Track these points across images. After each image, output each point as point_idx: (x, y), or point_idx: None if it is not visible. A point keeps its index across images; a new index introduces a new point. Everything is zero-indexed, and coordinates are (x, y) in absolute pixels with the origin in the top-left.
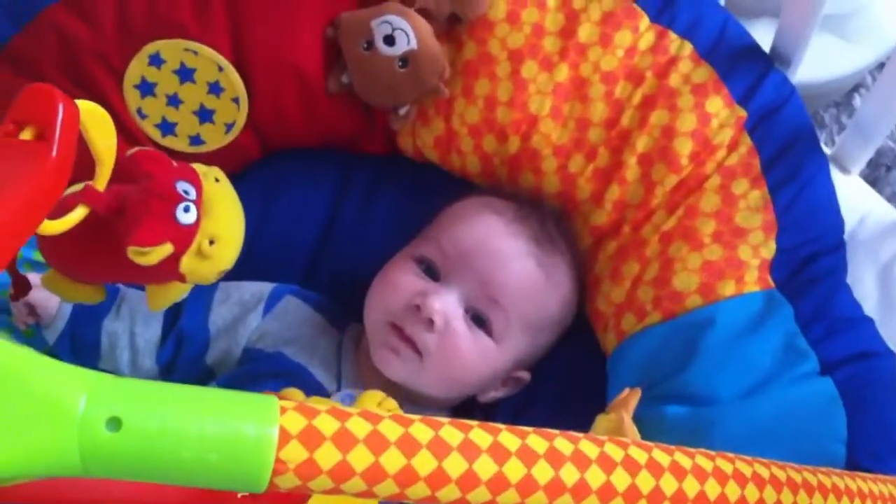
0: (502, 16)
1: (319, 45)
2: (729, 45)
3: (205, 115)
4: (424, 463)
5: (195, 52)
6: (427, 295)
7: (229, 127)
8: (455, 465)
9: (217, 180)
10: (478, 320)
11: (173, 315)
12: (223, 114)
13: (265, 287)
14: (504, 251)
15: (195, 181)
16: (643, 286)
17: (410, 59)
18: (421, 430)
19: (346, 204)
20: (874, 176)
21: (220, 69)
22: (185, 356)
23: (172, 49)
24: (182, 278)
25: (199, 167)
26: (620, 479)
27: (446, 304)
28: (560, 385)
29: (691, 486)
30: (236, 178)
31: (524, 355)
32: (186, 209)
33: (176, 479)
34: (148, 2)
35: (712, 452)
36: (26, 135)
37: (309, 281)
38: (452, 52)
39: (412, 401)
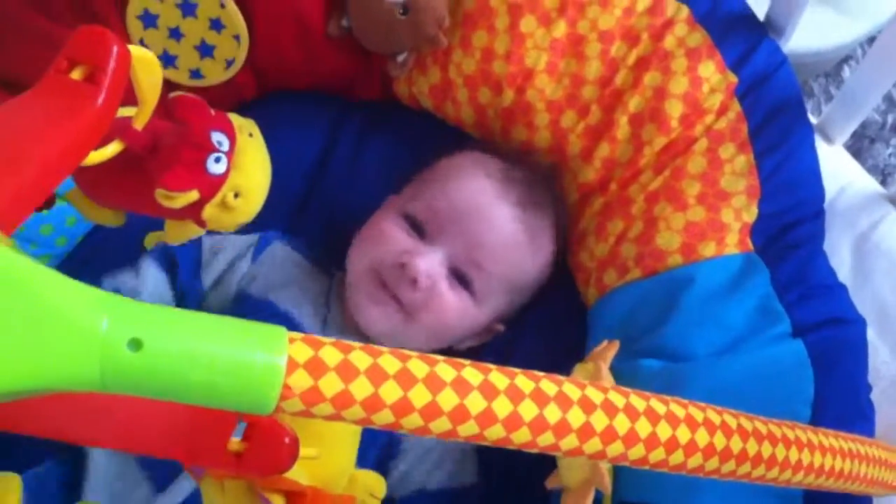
0: None
1: None
2: (724, 11)
3: (205, 49)
4: (419, 396)
5: None
6: (413, 255)
7: (229, 63)
8: (447, 400)
9: (251, 135)
10: (461, 279)
11: (170, 268)
12: (223, 50)
13: (252, 236)
14: (491, 217)
15: (230, 133)
16: (626, 243)
17: (411, 7)
18: (418, 365)
19: (338, 149)
20: (857, 147)
21: (222, 6)
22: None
23: None
24: (203, 224)
25: (235, 118)
26: (599, 420)
27: (431, 265)
28: (540, 337)
29: (664, 431)
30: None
31: (503, 312)
32: (217, 160)
33: (189, 399)
34: None
35: (685, 401)
36: (76, 74)
37: (298, 225)
38: (452, 3)
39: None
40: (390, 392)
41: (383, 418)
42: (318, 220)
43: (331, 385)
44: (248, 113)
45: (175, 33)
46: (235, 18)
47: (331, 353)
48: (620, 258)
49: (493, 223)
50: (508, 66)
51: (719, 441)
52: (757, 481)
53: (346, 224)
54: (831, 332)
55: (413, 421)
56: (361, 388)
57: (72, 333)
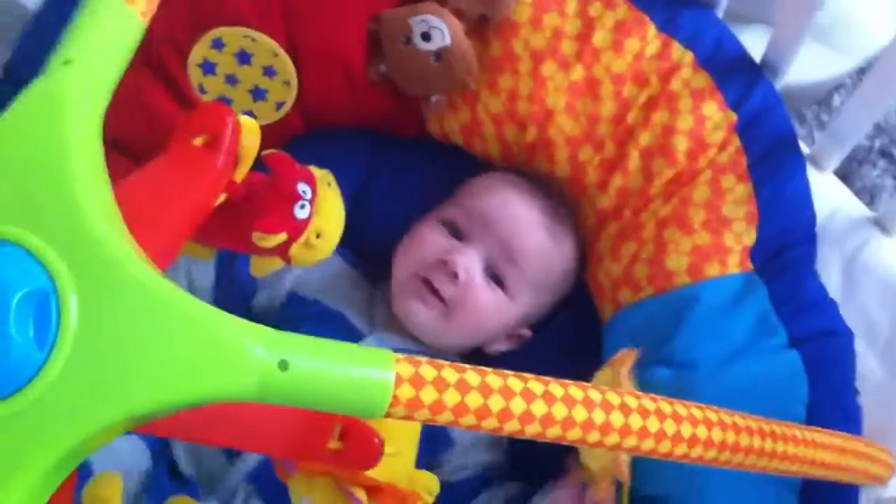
0: (526, 19)
1: (362, 38)
2: (725, 55)
3: (258, 93)
4: (496, 403)
5: (254, 39)
6: (452, 252)
7: (279, 105)
8: (517, 406)
9: (329, 184)
10: (495, 278)
11: (227, 265)
12: (275, 93)
13: None
14: (522, 219)
15: (311, 183)
16: (639, 264)
17: (444, 55)
18: (494, 379)
19: (377, 178)
20: (846, 170)
21: (275, 55)
22: (233, 300)
23: (233, 35)
24: (288, 260)
25: (315, 171)
26: (616, 419)
27: (469, 260)
28: (561, 348)
29: (670, 426)
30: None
31: (530, 312)
32: (302, 206)
33: (321, 407)
34: None
35: (688, 402)
36: (198, 141)
37: (342, 244)
38: (480, 49)
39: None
40: (473, 400)
41: (468, 421)
42: (360, 240)
43: (428, 395)
44: (296, 146)
45: (231, 79)
46: (287, 66)
47: (427, 370)
48: (634, 277)
49: (523, 227)
50: (531, 106)
51: (716, 435)
52: (750, 469)
53: (385, 243)
54: (823, 343)
55: (490, 423)
56: (451, 398)
57: (238, 358)
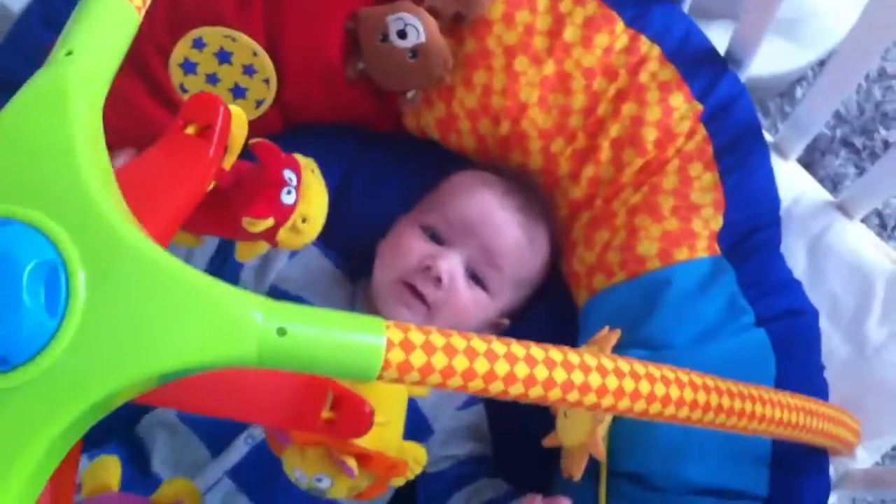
0: (499, 16)
1: (341, 36)
2: (691, 49)
3: (238, 92)
4: (481, 365)
5: (234, 39)
6: (436, 257)
7: (259, 103)
8: (501, 368)
9: (312, 171)
10: (475, 279)
11: (220, 259)
12: (255, 91)
13: None
14: (499, 222)
15: (297, 170)
16: (612, 251)
17: (420, 52)
18: (478, 342)
19: (357, 173)
20: (810, 159)
21: (255, 54)
22: None
23: (214, 35)
24: (275, 244)
25: (300, 158)
26: (594, 379)
27: (452, 265)
28: (534, 337)
29: (644, 386)
30: None
31: (510, 306)
32: (289, 192)
33: (317, 370)
34: None
35: (661, 364)
36: (190, 130)
37: (324, 238)
38: (455, 46)
39: None
40: (460, 362)
41: (455, 382)
42: (341, 234)
43: (417, 358)
44: (277, 144)
45: (212, 78)
46: (266, 65)
47: (416, 335)
48: (607, 264)
49: (499, 228)
50: (505, 101)
51: (687, 394)
52: (721, 428)
53: (366, 238)
54: (789, 321)
55: (476, 384)
56: (439, 360)
57: (239, 325)
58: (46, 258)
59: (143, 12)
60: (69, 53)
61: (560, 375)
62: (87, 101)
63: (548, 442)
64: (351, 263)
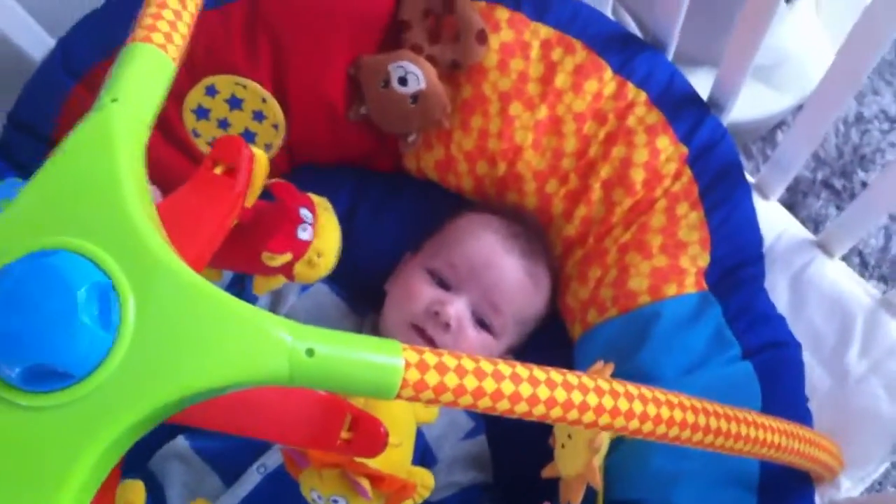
0: (494, 64)
1: (344, 82)
2: (675, 94)
3: (248, 136)
4: (489, 385)
5: (244, 86)
6: (444, 303)
7: (268, 147)
8: (507, 387)
9: (326, 209)
10: (481, 322)
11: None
12: (264, 136)
13: None
14: (504, 268)
15: (312, 209)
16: (604, 287)
17: (420, 97)
18: (486, 364)
19: (359, 212)
20: (792, 200)
21: (264, 100)
22: None
23: (225, 82)
24: (292, 278)
25: (314, 197)
26: (591, 399)
27: (459, 310)
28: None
29: (637, 406)
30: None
31: (514, 343)
32: (304, 229)
33: (344, 389)
34: (207, 44)
35: (652, 387)
36: (218, 170)
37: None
38: (452, 92)
39: None
40: (470, 382)
41: (466, 401)
42: (346, 269)
43: (432, 378)
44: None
45: (223, 123)
46: (275, 110)
47: (430, 357)
48: (600, 299)
49: (504, 273)
50: (501, 144)
51: (677, 414)
52: (709, 448)
53: (371, 272)
54: (774, 354)
55: (485, 402)
56: (451, 380)
57: (272, 345)
58: (97, 280)
59: (178, 63)
60: (114, 100)
61: (561, 395)
62: (131, 142)
63: (547, 472)
64: (356, 298)
